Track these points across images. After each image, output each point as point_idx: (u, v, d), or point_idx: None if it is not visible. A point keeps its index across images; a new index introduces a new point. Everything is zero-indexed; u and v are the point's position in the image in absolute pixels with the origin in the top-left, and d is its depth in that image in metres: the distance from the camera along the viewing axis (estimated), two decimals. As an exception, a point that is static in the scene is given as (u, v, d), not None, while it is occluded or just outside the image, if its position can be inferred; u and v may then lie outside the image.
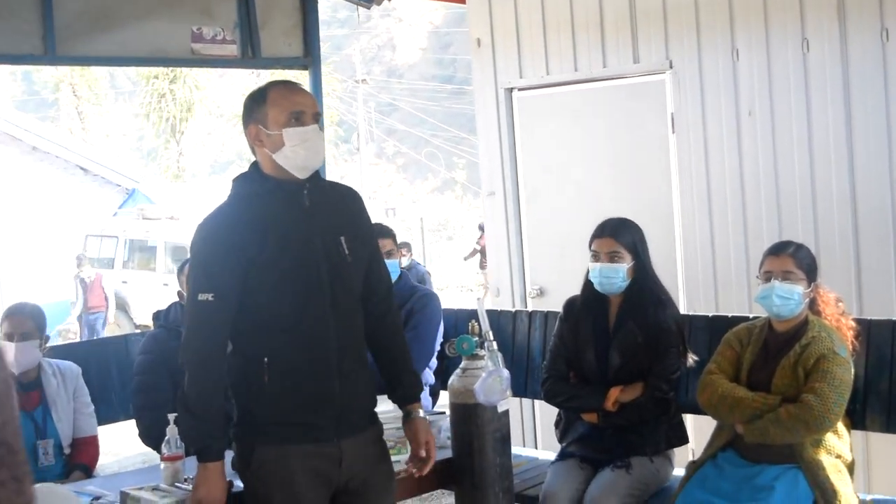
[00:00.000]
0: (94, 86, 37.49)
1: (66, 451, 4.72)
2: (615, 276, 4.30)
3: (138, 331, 9.80)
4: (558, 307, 5.50)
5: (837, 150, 5.72)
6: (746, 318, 4.37)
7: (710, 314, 4.86)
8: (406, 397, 3.57)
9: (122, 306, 18.20)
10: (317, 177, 3.39)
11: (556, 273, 6.79)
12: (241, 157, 42.07)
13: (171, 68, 32.89)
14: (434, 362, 5.37)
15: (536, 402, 6.41)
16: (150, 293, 17.46)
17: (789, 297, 3.93)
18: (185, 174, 35.59)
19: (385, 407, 3.92)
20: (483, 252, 19.38)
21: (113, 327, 16.94)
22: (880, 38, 5.58)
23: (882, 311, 4.96)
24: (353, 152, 37.55)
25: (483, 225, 22.08)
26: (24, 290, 15.24)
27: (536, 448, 6.45)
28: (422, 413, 3.58)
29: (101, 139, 36.47)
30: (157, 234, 19.06)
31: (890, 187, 5.61)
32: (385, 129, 44.88)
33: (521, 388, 5.20)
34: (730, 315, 4.75)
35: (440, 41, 54.17)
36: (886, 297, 5.55)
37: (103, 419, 5.05)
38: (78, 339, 17.09)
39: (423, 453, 3.54)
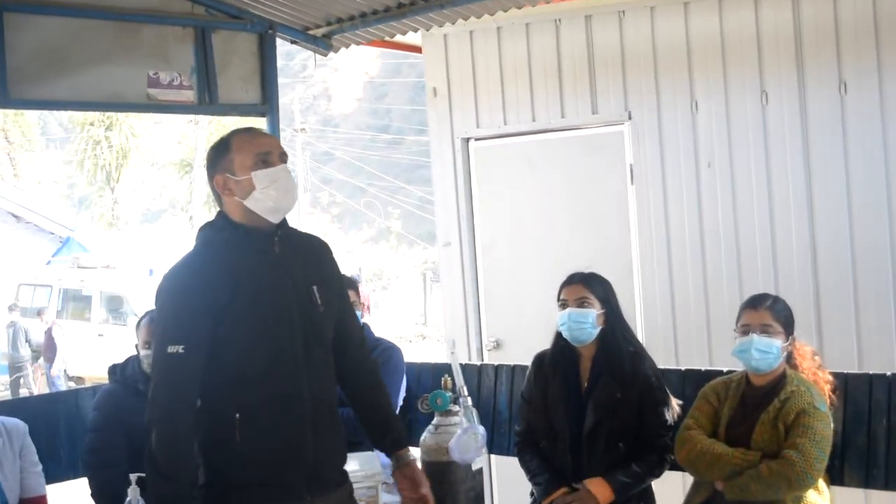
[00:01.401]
0: (26, 132, 37.02)
1: (13, 512, 4.51)
2: (584, 321, 4.21)
3: (89, 385, 9.48)
4: (515, 360, 5.44)
5: (797, 202, 5.74)
6: (720, 373, 4.31)
7: (683, 368, 4.79)
8: (397, 442, 3.46)
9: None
10: (286, 225, 3.29)
11: (514, 325, 6.71)
12: (173, 206, 41.71)
13: (107, 115, 32.63)
14: (399, 418, 5.23)
15: (493, 457, 6.29)
16: (84, 344, 17.11)
17: (768, 350, 3.88)
18: (118, 223, 35.15)
19: (353, 466, 3.80)
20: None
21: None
22: (839, 92, 5.63)
23: (844, 364, 4.92)
24: (289, 201, 37.37)
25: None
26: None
27: (493, 504, 6.34)
28: (412, 456, 3.47)
29: (33, 186, 35.91)
30: (93, 283, 18.70)
31: (849, 239, 5.63)
32: (320, 177, 44.77)
33: (487, 444, 5.07)
34: (703, 369, 4.69)
35: (375, 91, 54.36)
36: (848, 348, 5.55)
37: (52, 477, 4.81)
38: (8, 392, 16.72)
39: (426, 493, 3.42)
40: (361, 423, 3.47)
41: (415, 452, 3.57)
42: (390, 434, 3.45)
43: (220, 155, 3.22)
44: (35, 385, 17.12)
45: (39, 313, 16.84)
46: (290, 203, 3.23)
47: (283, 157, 3.22)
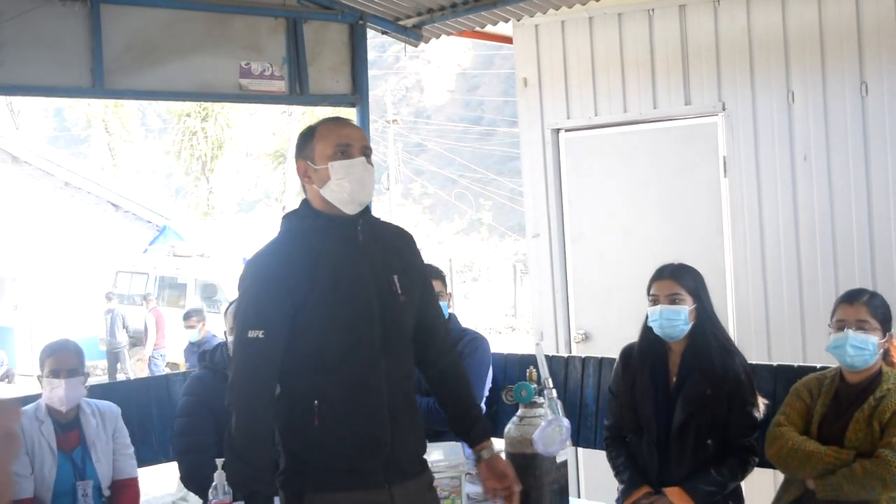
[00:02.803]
0: (125, 123, 37.84)
1: (106, 493, 4.60)
2: (677, 318, 4.14)
3: (182, 370, 9.61)
4: (603, 352, 5.38)
5: (897, 197, 5.58)
6: (813, 368, 4.21)
7: (775, 363, 4.69)
8: (482, 433, 3.42)
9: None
10: (368, 214, 3.29)
11: (602, 317, 6.65)
12: (268, 196, 42.25)
13: (202, 106, 33.21)
14: (482, 408, 5.21)
15: (580, 449, 6.25)
16: (179, 330, 17.39)
17: (864, 347, 3.77)
18: (213, 212, 35.76)
19: (436, 456, 3.78)
20: None
21: (143, 365, 16.89)
22: (942, 83, 5.45)
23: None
24: (381, 192, 37.73)
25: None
26: (54, 325, 15.22)
27: (579, 497, 6.28)
28: (496, 449, 3.45)
29: (132, 176, 36.70)
30: (188, 271, 19.02)
31: (952, 235, 5.46)
32: (412, 169, 44.96)
33: (573, 437, 5.05)
34: (796, 364, 4.59)
35: (468, 83, 54.35)
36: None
37: (143, 461, 4.92)
38: (106, 377, 17.08)
39: (513, 485, 3.38)
40: (447, 413, 3.45)
41: (499, 444, 3.54)
42: (475, 426, 3.42)
43: (305, 142, 3.25)
44: (132, 371, 17.47)
45: (145, 299, 17.20)
46: (365, 196, 3.22)
47: (364, 151, 3.21)
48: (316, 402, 3.12)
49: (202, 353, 4.93)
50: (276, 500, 3.21)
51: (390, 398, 3.18)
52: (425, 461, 3.36)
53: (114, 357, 17.37)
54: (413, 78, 55.73)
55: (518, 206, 33.81)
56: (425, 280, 3.44)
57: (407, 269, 3.31)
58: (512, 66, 7.18)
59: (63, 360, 4.53)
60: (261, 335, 3.09)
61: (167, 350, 16.95)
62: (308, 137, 3.25)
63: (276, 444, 3.21)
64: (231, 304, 4.82)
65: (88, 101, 35.32)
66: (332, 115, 3.42)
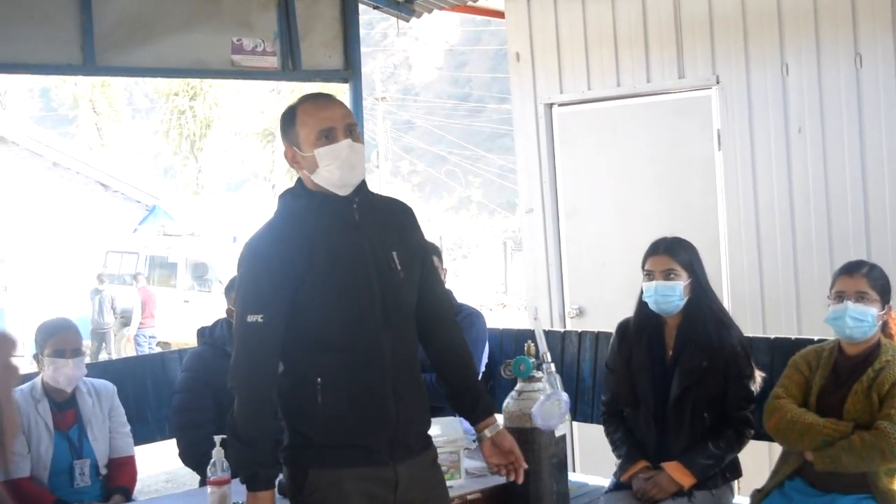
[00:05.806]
0: (113, 102, 37.67)
1: (103, 471, 4.59)
2: (672, 294, 4.13)
3: (176, 348, 9.55)
4: (598, 327, 5.38)
5: (891, 169, 5.58)
6: (811, 341, 4.21)
7: (772, 336, 4.69)
8: (488, 410, 3.40)
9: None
10: (365, 190, 3.26)
11: (597, 292, 6.65)
12: (257, 175, 42.15)
13: (190, 85, 33.08)
14: (485, 385, 5.21)
15: (576, 424, 6.25)
16: (171, 310, 17.37)
17: (863, 319, 3.77)
18: (203, 191, 35.69)
19: (435, 431, 3.78)
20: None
21: (132, 345, 16.85)
22: (937, 54, 5.43)
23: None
24: (370, 171, 37.68)
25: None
26: (45, 306, 15.15)
27: (575, 472, 6.29)
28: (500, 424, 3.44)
29: (120, 156, 36.58)
30: (178, 250, 18.98)
31: (946, 207, 5.46)
32: (401, 147, 44.89)
33: (570, 411, 5.04)
34: (793, 337, 4.59)
35: (456, 60, 54.23)
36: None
37: (140, 439, 4.92)
38: (90, 356, 17.02)
39: (523, 463, 3.39)
40: (449, 390, 3.41)
41: (497, 419, 3.53)
42: (478, 403, 3.39)
43: (288, 126, 3.21)
44: (115, 351, 17.38)
45: (135, 278, 17.19)
46: (356, 177, 3.18)
47: (348, 130, 3.16)
48: (319, 379, 3.11)
49: (201, 329, 4.92)
50: (278, 480, 3.21)
51: (394, 374, 3.17)
52: (429, 437, 3.35)
53: (99, 337, 17.30)
54: (401, 55, 55.55)
55: (507, 183, 33.84)
56: (426, 254, 3.42)
57: (407, 244, 3.28)
58: (500, 42, 7.17)
59: (68, 340, 4.53)
60: (260, 319, 3.09)
61: (158, 329, 16.90)
62: (290, 121, 3.20)
63: (278, 419, 3.20)
64: (232, 282, 4.81)
65: (75, 81, 35.16)
66: (311, 92, 3.36)
